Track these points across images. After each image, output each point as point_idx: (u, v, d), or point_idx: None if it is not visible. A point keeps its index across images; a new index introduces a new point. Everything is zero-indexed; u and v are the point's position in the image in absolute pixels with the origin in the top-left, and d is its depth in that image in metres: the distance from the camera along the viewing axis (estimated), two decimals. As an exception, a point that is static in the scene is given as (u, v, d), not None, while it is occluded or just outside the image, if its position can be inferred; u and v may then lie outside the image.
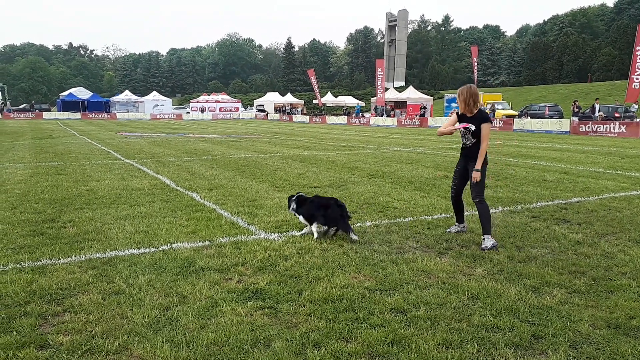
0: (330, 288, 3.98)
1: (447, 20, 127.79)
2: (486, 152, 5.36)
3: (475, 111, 5.34)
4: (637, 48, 23.55)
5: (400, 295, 3.87)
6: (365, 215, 6.63)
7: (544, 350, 3.05)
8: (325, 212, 5.35)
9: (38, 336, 3.18)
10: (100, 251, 4.94)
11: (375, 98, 52.67)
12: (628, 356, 2.96)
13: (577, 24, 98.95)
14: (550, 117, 34.16)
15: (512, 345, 3.10)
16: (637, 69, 23.42)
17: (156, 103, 66.38)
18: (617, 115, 30.32)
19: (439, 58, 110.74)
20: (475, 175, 5.34)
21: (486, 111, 5.40)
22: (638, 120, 27.52)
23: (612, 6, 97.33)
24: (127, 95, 68.77)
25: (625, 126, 25.75)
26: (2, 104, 61.69)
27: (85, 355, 2.97)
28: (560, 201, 7.73)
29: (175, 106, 76.31)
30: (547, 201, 7.73)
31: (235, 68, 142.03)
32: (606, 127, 26.50)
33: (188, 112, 65.68)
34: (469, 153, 5.48)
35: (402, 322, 3.42)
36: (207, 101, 68.20)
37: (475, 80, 40.32)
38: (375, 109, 47.53)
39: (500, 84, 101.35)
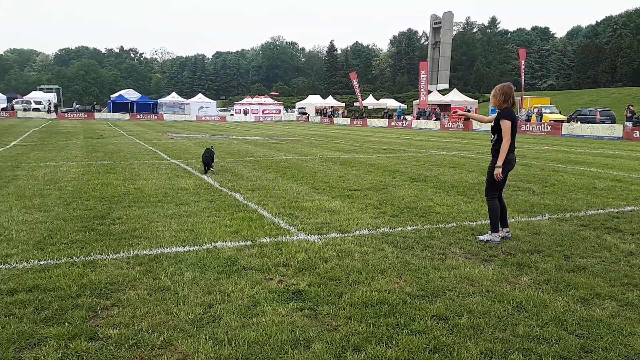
0: (371, 292, 3.96)
1: (493, 22, 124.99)
2: (510, 153, 5.41)
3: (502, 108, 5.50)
4: (699, 50, 22.32)
5: (443, 302, 3.81)
6: (406, 219, 6.57)
7: (593, 364, 2.94)
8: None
9: (88, 328, 3.31)
10: (147, 248, 5.10)
11: (417, 101, 52.09)
12: (686, 375, 2.81)
13: (632, 25, 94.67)
14: (602, 122, 32.79)
15: (559, 358, 3.00)
16: (698, 72, 22.17)
17: (201, 105, 67.94)
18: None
19: (485, 61, 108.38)
20: (496, 172, 5.45)
21: (512, 110, 5.54)
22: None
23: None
24: (173, 97, 70.74)
25: (684, 132, 24.42)
26: (55, 105, 64.61)
27: (132, 349, 3.07)
28: (612, 210, 7.41)
29: (220, 108, 77.92)
30: (598, 209, 7.43)
31: (278, 71, 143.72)
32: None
33: (232, 114, 66.89)
34: (493, 151, 5.65)
35: (444, 329, 3.37)
36: (250, 104, 69.28)
37: (523, 84, 39.14)
38: (423, 112, 46.64)
39: (548, 87, 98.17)
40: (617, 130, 27.83)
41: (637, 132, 26.50)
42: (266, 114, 66.83)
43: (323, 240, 5.46)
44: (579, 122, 33.00)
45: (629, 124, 28.13)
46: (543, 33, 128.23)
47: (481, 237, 5.61)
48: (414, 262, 4.76)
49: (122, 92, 71.89)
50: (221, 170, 11.63)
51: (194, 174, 10.77)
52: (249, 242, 5.38)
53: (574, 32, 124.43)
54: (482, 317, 3.58)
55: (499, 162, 5.41)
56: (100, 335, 3.23)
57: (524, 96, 39.26)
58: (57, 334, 3.22)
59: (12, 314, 3.51)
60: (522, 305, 3.79)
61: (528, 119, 36.93)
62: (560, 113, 39.23)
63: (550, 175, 11.20)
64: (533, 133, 32.05)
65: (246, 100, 72.68)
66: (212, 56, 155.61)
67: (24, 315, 3.49)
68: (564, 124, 31.76)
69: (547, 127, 31.94)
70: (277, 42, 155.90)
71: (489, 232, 5.64)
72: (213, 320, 3.45)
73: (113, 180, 9.61)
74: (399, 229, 6.03)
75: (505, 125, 5.37)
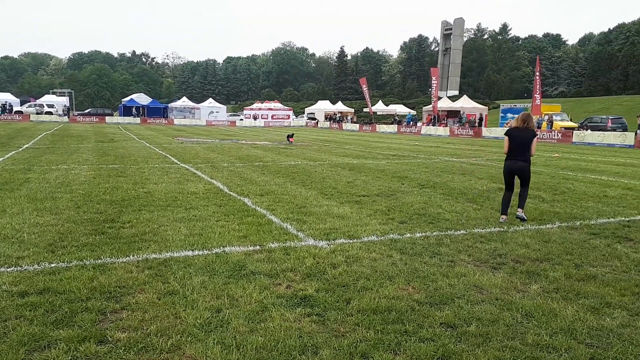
0: (379, 299, 3.96)
1: (504, 28, 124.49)
2: (506, 161, 7.26)
3: None
4: None
5: (451, 310, 3.79)
6: (415, 226, 6.55)
7: (603, 375, 2.91)
8: None
9: (97, 331, 3.34)
10: (156, 252, 5.13)
11: (428, 107, 51.98)
12: (698, 387, 2.77)
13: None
14: (613, 129, 32.51)
15: (568, 368, 2.98)
16: None
17: (211, 110, 68.28)
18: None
19: (495, 67, 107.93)
20: None
21: (514, 128, 7.32)
22: None
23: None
24: (184, 101, 71.18)
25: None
26: (67, 108, 65.28)
27: (140, 352, 3.09)
28: (623, 218, 7.35)
29: (230, 113, 78.20)
30: (609, 218, 7.37)
31: (288, 76, 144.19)
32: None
33: (241, 119, 67.16)
34: None
35: (452, 337, 3.36)
36: (260, 109, 69.56)
37: (537, 91, 38.77)
38: (461, 119, 46.05)
39: (559, 94, 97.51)
40: (628, 138, 27.58)
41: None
42: (276, 119, 67.05)
43: (331, 246, 5.46)
44: (590, 130, 32.75)
45: (641, 132, 27.85)
46: (554, 40, 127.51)
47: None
48: (422, 269, 4.75)
49: (133, 96, 72.45)
50: (230, 174, 11.68)
51: (204, 179, 10.83)
52: (258, 247, 5.39)
53: (586, 39, 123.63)
54: (491, 325, 3.56)
55: None
56: (109, 338, 3.25)
57: (537, 103, 38.90)
58: (66, 336, 3.25)
59: (23, 316, 3.55)
60: (531, 313, 3.77)
61: (538, 126, 36.68)
62: (571, 120, 38.95)
63: (561, 183, 11.12)
64: (543, 140, 31.84)
65: (256, 105, 72.95)
66: (223, 61, 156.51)
67: (35, 317, 3.52)
68: (574, 132, 31.54)
69: (557, 135, 31.72)
70: (287, 48, 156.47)
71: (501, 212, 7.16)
72: (221, 325, 3.47)
73: (123, 184, 9.69)
74: (408, 235, 6.02)
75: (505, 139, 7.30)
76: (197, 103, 74.45)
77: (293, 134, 24.90)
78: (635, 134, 27.75)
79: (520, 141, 7.07)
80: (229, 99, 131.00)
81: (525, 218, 7.07)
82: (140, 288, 4.12)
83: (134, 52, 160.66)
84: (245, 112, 71.55)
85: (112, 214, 6.94)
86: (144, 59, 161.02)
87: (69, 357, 3.01)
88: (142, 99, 68.93)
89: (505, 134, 7.28)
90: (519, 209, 7.14)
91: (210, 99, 76.84)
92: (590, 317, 3.71)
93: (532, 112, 40.27)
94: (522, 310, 3.83)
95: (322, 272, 4.59)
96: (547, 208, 8.02)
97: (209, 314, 3.64)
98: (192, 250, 5.21)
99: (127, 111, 63.85)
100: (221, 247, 5.35)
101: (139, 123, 57.28)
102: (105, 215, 6.81)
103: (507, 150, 7.17)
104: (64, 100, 69.84)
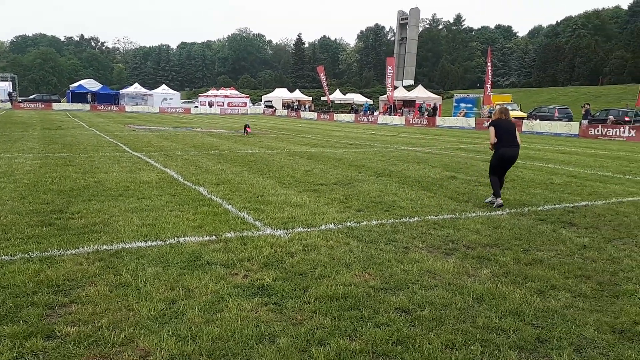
0: (336, 286, 3.99)
1: (458, 19, 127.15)
2: (501, 148, 7.50)
3: None
4: (650, 52, 23.35)
5: (406, 295, 3.87)
6: (371, 214, 6.64)
7: (548, 353, 3.05)
8: None
9: (45, 326, 3.22)
10: (107, 243, 4.98)
11: (384, 96, 52.49)
12: (633, 362, 2.95)
13: (590, 26, 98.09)
14: (560, 119, 33.92)
15: (516, 348, 3.10)
16: (649, 73, 23.21)
17: (165, 96, 66.49)
18: (627, 119, 30.08)
19: (450, 57, 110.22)
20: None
21: (497, 120, 7.74)
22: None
23: (627, 9, 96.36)
24: (136, 88, 68.98)
25: (635, 130, 25.53)
26: (10, 93, 61.99)
27: (91, 347, 3.00)
28: (568, 204, 7.69)
29: (184, 100, 76.51)
30: (554, 204, 7.69)
31: (244, 63, 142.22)
32: (616, 131, 26.29)
33: (196, 107, 65.80)
34: None
35: (406, 321, 3.43)
36: (215, 95, 68.32)
37: (488, 81, 39.97)
38: (420, 108, 46.08)
39: (510, 84, 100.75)
40: (574, 127, 28.85)
41: (593, 129, 27.54)
42: (232, 106, 66.07)
43: (289, 235, 5.46)
44: (538, 120, 34.02)
45: (585, 122, 29.20)
46: (506, 31, 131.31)
47: (486, 200, 7.67)
48: (378, 255, 4.82)
49: (82, 82, 69.59)
50: (185, 163, 11.45)
51: (157, 167, 10.56)
52: (214, 237, 5.32)
53: (535, 32, 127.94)
54: (444, 309, 3.66)
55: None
56: (57, 333, 3.14)
57: (489, 93, 40.09)
58: (11, 332, 3.11)
59: (-37, 312, 3.37)
60: (482, 297, 3.90)
61: (489, 116, 37.80)
62: (520, 110, 40.32)
63: (510, 171, 11.46)
64: (495, 129, 32.81)
65: (211, 92, 71.59)
66: (177, 47, 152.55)
67: (-24, 313, 3.35)
68: (524, 121, 32.67)
69: (508, 124, 32.76)
70: (244, 34, 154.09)
71: (493, 197, 7.48)
72: (176, 317, 3.41)
73: (72, 173, 9.33)
74: (364, 223, 6.09)
75: (490, 128, 7.64)
76: (150, 89, 72.39)
77: (248, 124, 23.67)
78: (580, 123, 29.04)
79: (508, 128, 7.55)
80: (183, 85, 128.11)
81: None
82: (90, 280, 3.99)
83: (82, 36, 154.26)
84: (200, 99, 70.13)
85: (60, 204, 6.67)
86: (93, 44, 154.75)
87: (14, 354, 2.89)
88: (91, 84, 66.34)
89: (491, 124, 7.62)
90: (498, 198, 7.49)
91: (164, 86, 74.76)
92: (536, 299, 3.88)
93: (484, 102, 41.49)
94: (473, 294, 3.95)
95: (279, 261, 4.59)
96: (498, 195, 8.26)
97: (163, 305, 3.57)
98: (145, 241, 5.09)
99: (75, 97, 61.29)
100: (175, 238, 5.24)
101: (88, 110, 55.10)
102: (53, 206, 6.53)
103: (494, 140, 7.51)
104: (7, 86, 66.15)
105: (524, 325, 3.42)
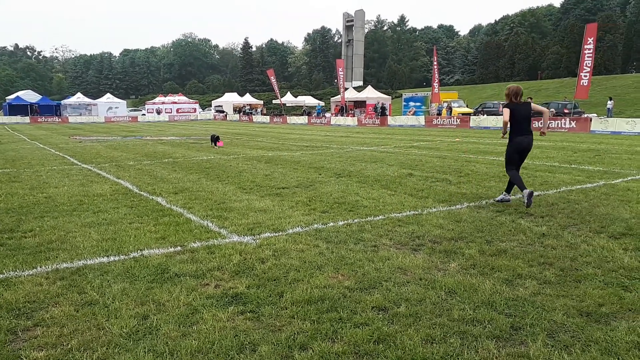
0: (311, 289, 3.97)
1: (402, 20, 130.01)
2: (518, 136, 7.10)
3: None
4: (585, 47, 24.67)
5: (380, 293, 3.90)
6: (337, 214, 6.66)
7: (523, 340, 3.15)
8: None
9: (10, 353, 3.03)
10: (67, 261, 4.75)
11: (337, 97, 52.92)
12: (602, 342, 3.09)
13: (526, 24, 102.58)
14: (504, 113, 35.23)
15: (493, 338, 3.18)
16: (585, 67, 24.51)
17: (110, 105, 64.35)
18: (566, 111, 31.65)
19: (396, 58, 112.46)
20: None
21: (513, 103, 7.12)
22: (586, 115, 28.80)
23: (559, 6, 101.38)
24: (79, 97, 66.35)
25: (575, 122, 26.89)
26: None
27: (63, 370, 2.85)
28: (521, 195, 7.97)
29: (130, 108, 74.34)
30: (510, 195, 7.95)
31: (191, 68, 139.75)
32: (557, 123, 27.60)
33: (144, 114, 64.09)
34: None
35: (385, 319, 3.46)
36: (163, 102, 66.74)
37: (436, 80, 41.05)
38: (375, 108, 46.30)
39: (455, 82, 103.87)
40: (518, 121, 30.05)
41: (536, 122, 28.77)
42: (181, 112, 64.75)
43: (257, 241, 5.39)
44: (485, 115, 35.24)
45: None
46: (448, 31, 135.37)
47: (517, 196, 7.28)
48: (348, 255, 4.84)
49: (19, 93, 66.29)
50: (139, 173, 11.11)
51: (110, 179, 10.19)
52: (179, 248, 5.18)
53: (476, 30, 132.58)
54: (419, 304, 3.72)
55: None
56: (24, 359, 2.96)
57: (437, 91, 41.16)
58: (-28, 362, 2.91)
59: None
60: (453, 290, 3.98)
61: (439, 113, 38.84)
62: (467, 107, 41.66)
63: (464, 166, 11.86)
64: (444, 126, 33.75)
65: (159, 99, 69.88)
66: (120, 54, 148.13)
67: None
68: (471, 117, 33.76)
69: (456, 121, 33.77)
70: (189, 39, 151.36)
71: (521, 192, 6.94)
72: (150, 332, 3.29)
73: (19, 190, 8.85)
74: (331, 224, 6.10)
75: (504, 110, 7.11)
76: (94, 99, 69.90)
77: (218, 137, 18.88)
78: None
79: (525, 114, 7.05)
80: (129, 93, 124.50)
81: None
82: (54, 301, 3.79)
83: (16, 45, 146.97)
84: (147, 106, 68.36)
85: (10, 223, 6.31)
86: (29, 53, 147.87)
87: (-22, 386, 2.70)
88: (30, 96, 63.35)
89: (507, 107, 7.04)
90: (508, 195, 7.36)
91: (108, 94, 72.32)
92: (505, 288, 4.00)
93: (432, 100, 42.60)
94: (445, 287, 4.03)
95: (250, 268, 4.52)
96: (455, 190, 8.50)
97: (135, 321, 3.44)
98: (107, 256, 4.89)
99: (13, 110, 58.28)
100: (139, 251, 5.07)
101: (28, 122, 52.57)
102: (2, 225, 6.17)
103: (509, 120, 7.02)
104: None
105: (498, 314, 3.52)
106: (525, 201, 6.75)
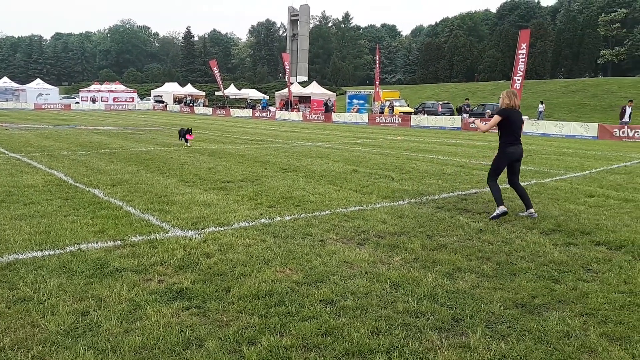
0: (259, 284, 3.95)
1: (347, 17, 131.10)
2: (510, 146, 6.46)
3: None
4: (519, 52, 25.91)
5: (328, 287, 3.95)
6: (283, 209, 6.65)
7: (464, 331, 3.29)
8: None
9: None
10: (-4, 255, 4.46)
11: (284, 91, 52.69)
12: (535, 332, 3.28)
13: (465, 27, 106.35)
14: (443, 114, 36.50)
15: (435, 329, 3.31)
16: (518, 71, 25.75)
17: (40, 92, 60.62)
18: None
19: (340, 55, 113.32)
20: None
21: (507, 109, 6.52)
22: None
23: (495, 12, 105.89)
24: (5, 82, 62.03)
25: (507, 123, 28.21)
26: None
27: (-6, 371, 2.68)
28: (460, 192, 8.32)
29: (63, 95, 70.52)
30: (449, 193, 8.28)
31: (129, 56, 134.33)
32: (492, 124, 28.87)
33: (77, 102, 61.00)
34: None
35: (332, 312, 3.50)
36: (99, 90, 63.77)
37: (378, 78, 41.80)
38: (325, 104, 45.96)
39: (397, 81, 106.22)
40: (456, 121, 31.20)
41: (473, 123, 29.99)
42: (118, 102, 62.16)
43: (202, 235, 5.29)
44: (425, 114, 36.30)
45: (466, 116, 31.69)
46: (391, 30, 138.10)
47: (492, 216, 6.42)
48: (296, 250, 4.85)
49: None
50: (73, 164, 10.59)
51: (41, 169, 9.65)
52: (119, 242, 5.00)
53: (418, 31, 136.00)
54: (365, 297, 3.79)
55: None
56: (-51, 360, 2.76)
57: (379, 90, 41.93)
58: None
59: None
60: (397, 283, 4.10)
61: (381, 112, 39.60)
62: (408, 106, 42.72)
63: (406, 163, 12.18)
64: (386, 125, 34.46)
65: (94, 86, 66.69)
66: (52, 37, 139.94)
67: None
68: (412, 116, 34.68)
69: (398, 119, 34.58)
70: (127, 26, 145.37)
71: (496, 208, 6.43)
72: (90, 329, 3.16)
73: (-62, 179, 8.20)
74: (278, 219, 6.09)
75: (494, 117, 6.56)
76: (22, 84, 65.59)
77: (190, 129, 15.33)
78: (462, 117, 31.46)
79: (519, 123, 6.57)
80: (61, 79, 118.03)
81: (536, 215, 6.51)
82: (-19, 298, 3.55)
83: None
84: (81, 94, 65.04)
85: None
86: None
87: None
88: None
89: (502, 113, 6.39)
90: (531, 209, 6.54)
91: (39, 80, 68.06)
92: (446, 282, 4.16)
93: (375, 99, 43.37)
94: (390, 280, 4.14)
95: (195, 263, 4.43)
96: (398, 186, 8.72)
97: (74, 318, 3.29)
98: (41, 250, 4.64)
99: None
100: (75, 245, 4.84)
101: (-54, 106, 48.67)
102: None
103: (489, 129, 6.65)
104: None
105: (439, 307, 3.65)
106: (495, 214, 6.33)
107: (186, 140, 14.88)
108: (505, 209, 6.36)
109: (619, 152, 16.59)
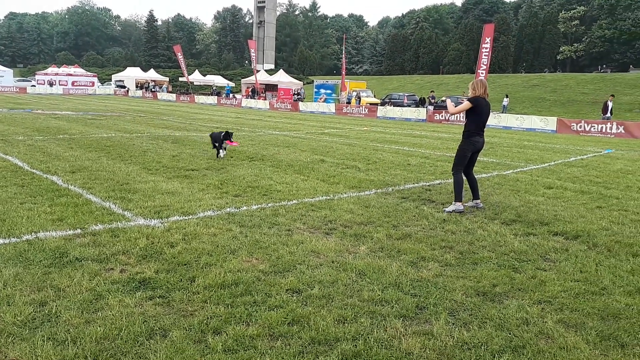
0: (224, 273, 3.92)
1: (314, 6, 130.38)
2: (476, 136, 6.59)
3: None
4: (483, 45, 26.41)
5: (294, 276, 3.95)
6: (250, 198, 6.60)
7: (428, 319, 3.36)
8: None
9: None
10: (-54, 244, 4.26)
11: (250, 78, 52.04)
12: (496, 319, 3.38)
13: (431, 20, 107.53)
14: (409, 105, 36.90)
15: (400, 317, 3.36)
16: (482, 65, 26.26)
17: (-7, 73, 58.02)
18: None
19: (307, 43, 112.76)
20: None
21: (477, 98, 6.50)
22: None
23: (460, 5, 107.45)
24: (-46, 62, 59.06)
25: (471, 116, 28.80)
26: None
27: (-55, 365, 2.57)
28: (425, 183, 8.45)
29: (17, 78, 67.56)
30: (414, 183, 8.40)
31: (88, 39, 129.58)
32: (457, 116, 29.38)
33: (34, 86, 58.55)
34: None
35: (299, 301, 3.51)
36: (56, 74, 61.39)
37: (344, 69, 41.82)
38: (297, 93, 45.51)
39: (364, 72, 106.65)
40: (422, 113, 31.60)
41: (437, 115, 30.44)
42: (77, 86, 60.07)
43: (165, 224, 5.19)
44: (391, 106, 36.61)
45: (431, 108, 32.17)
46: (358, 21, 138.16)
47: (447, 209, 6.40)
48: (263, 239, 4.83)
49: None
50: (29, 149, 10.19)
51: (-4, 155, 9.24)
52: (79, 231, 4.86)
53: (384, 22, 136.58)
54: (331, 286, 3.82)
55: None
56: None
57: (345, 80, 41.99)
58: None
59: None
60: (363, 272, 4.14)
61: (348, 102, 39.70)
62: (375, 97, 42.98)
63: (372, 154, 12.27)
64: (353, 115, 34.58)
65: (51, 69, 64.16)
66: (5, 17, 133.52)
67: None
68: (378, 107, 34.91)
69: (365, 110, 34.75)
70: (86, 7, 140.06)
71: (453, 202, 6.47)
72: (49, 320, 3.06)
73: None
74: (244, 208, 6.04)
75: (464, 103, 6.52)
76: (-26, 65, 62.52)
77: (230, 133, 10.37)
78: (427, 109, 31.90)
79: (486, 115, 6.59)
80: (15, 61, 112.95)
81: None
82: None
83: None
84: (38, 77, 62.44)
85: None
86: None
87: None
88: None
89: (473, 101, 6.39)
90: (477, 200, 6.67)
91: (-8, 61, 65.09)
92: (411, 270, 4.23)
93: (342, 89, 43.44)
94: (356, 269, 4.18)
95: (159, 253, 4.35)
96: (364, 177, 8.78)
97: (32, 308, 3.18)
98: (-4, 239, 4.45)
99: None
100: (33, 233, 4.68)
101: None
102: None
103: (458, 112, 6.73)
104: None
105: (404, 295, 3.71)
106: (450, 209, 6.35)
107: (224, 149, 10.32)
108: (462, 208, 6.37)
109: (576, 146, 17.20)
